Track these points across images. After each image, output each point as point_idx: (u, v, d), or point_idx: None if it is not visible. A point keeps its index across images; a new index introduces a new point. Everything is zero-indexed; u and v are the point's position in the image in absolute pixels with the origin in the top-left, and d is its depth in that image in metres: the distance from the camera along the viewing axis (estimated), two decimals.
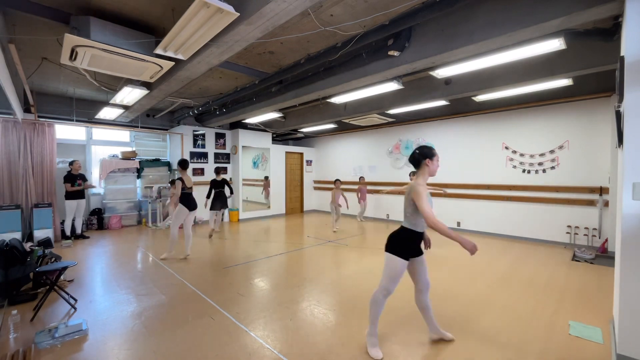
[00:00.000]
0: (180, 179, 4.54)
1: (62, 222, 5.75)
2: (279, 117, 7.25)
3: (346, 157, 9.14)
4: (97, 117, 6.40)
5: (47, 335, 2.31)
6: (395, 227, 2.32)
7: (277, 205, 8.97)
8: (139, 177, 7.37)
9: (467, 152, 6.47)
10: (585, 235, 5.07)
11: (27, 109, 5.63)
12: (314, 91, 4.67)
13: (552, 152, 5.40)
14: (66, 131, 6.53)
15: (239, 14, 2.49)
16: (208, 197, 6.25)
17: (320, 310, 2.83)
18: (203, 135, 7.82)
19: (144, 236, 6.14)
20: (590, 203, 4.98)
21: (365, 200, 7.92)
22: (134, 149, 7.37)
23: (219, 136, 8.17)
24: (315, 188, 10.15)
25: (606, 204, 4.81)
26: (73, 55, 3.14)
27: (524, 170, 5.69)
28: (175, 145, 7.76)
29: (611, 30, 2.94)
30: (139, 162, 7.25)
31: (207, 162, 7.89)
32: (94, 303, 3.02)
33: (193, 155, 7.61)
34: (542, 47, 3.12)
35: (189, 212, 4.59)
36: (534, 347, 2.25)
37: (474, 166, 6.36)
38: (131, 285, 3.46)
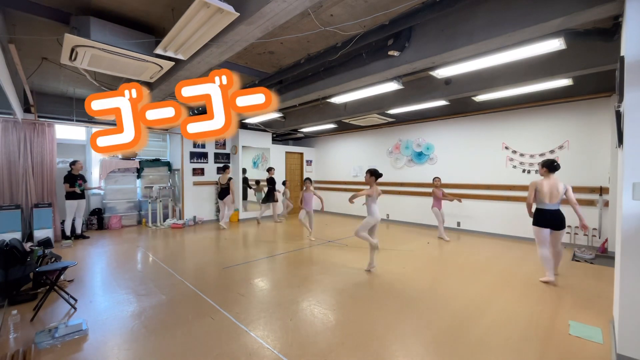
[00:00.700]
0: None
1: (62, 222, 5.75)
2: (279, 117, 7.26)
3: (346, 157, 9.14)
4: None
5: (47, 335, 2.31)
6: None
7: (276, 205, 8.95)
8: (139, 177, 7.37)
9: (467, 152, 6.47)
10: (585, 235, 5.07)
11: (27, 109, 5.63)
12: (314, 91, 4.67)
13: (552, 152, 5.39)
14: (66, 131, 6.53)
15: (239, 14, 2.49)
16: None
17: (320, 310, 2.83)
18: None
19: (144, 236, 6.15)
20: (590, 203, 4.97)
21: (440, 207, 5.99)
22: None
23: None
24: (315, 188, 10.13)
25: (606, 204, 4.81)
26: (73, 55, 3.14)
27: (524, 170, 5.69)
28: (175, 145, 7.76)
29: (611, 30, 2.94)
30: (139, 162, 7.25)
31: (207, 162, 7.88)
32: (94, 303, 3.02)
33: (193, 155, 7.61)
34: (542, 47, 3.12)
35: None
36: (534, 347, 2.25)
37: (474, 166, 6.36)
38: (131, 285, 3.46)
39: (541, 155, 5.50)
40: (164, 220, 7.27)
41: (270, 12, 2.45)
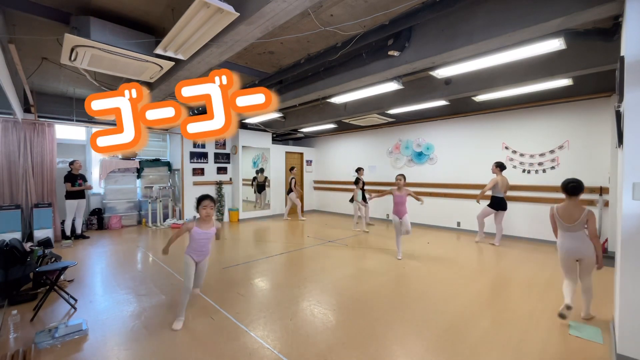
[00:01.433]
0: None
1: (62, 222, 5.75)
2: (279, 117, 7.26)
3: (346, 157, 9.14)
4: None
5: (47, 335, 2.31)
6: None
7: (277, 205, 8.96)
8: (139, 177, 7.37)
9: (467, 152, 6.47)
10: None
11: (27, 109, 5.63)
12: (314, 91, 4.67)
13: (552, 152, 5.39)
14: (66, 131, 6.53)
15: (239, 14, 2.49)
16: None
17: (320, 310, 2.83)
18: None
19: (144, 236, 6.15)
20: (590, 203, 4.97)
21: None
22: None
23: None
24: (315, 188, 10.15)
25: (606, 204, 4.81)
26: (73, 55, 3.14)
27: (524, 170, 5.69)
28: (175, 145, 7.76)
29: (611, 30, 2.94)
30: (139, 162, 7.25)
31: (207, 162, 7.88)
32: (94, 303, 3.02)
33: (193, 155, 7.61)
34: (542, 47, 3.12)
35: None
36: (534, 347, 2.25)
37: (474, 166, 6.35)
38: (131, 285, 3.46)
39: (541, 155, 5.50)
40: (164, 220, 7.27)
41: (270, 12, 2.45)
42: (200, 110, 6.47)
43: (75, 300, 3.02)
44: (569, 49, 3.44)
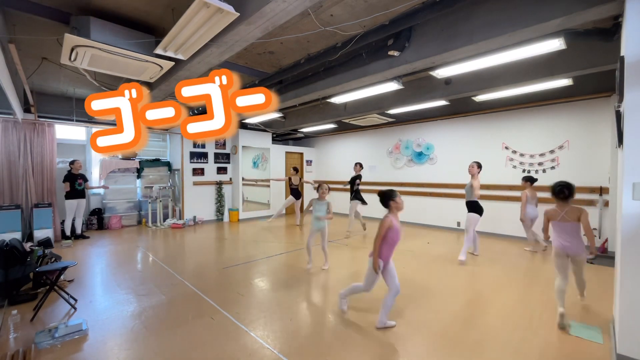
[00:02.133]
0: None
1: (62, 222, 5.75)
2: (279, 117, 7.26)
3: (346, 157, 9.13)
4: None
5: (47, 335, 2.31)
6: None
7: (277, 205, 8.96)
8: (139, 177, 7.37)
9: (467, 152, 6.47)
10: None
11: (27, 109, 5.63)
12: (314, 91, 4.67)
13: (552, 152, 5.40)
14: (66, 131, 6.53)
15: (239, 14, 2.49)
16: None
17: (320, 310, 2.83)
18: None
19: (144, 236, 6.15)
20: (590, 203, 4.97)
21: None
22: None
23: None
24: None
25: (606, 204, 4.81)
26: (73, 55, 3.14)
27: (524, 170, 5.68)
28: (175, 145, 7.76)
29: (611, 30, 2.94)
30: (139, 162, 7.25)
31: (207, 162, 7.88)
32: (94, 303, 3.02)
33: (193, 155, 7.61)
34: (542, 47, 3.12)
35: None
36: (534, 347, 2.25)
37: None
38: (131, 285, 3.46)
39: (541, 155, 5.50)
40: (164, 220, 7.27)
41: (270, 12, 2.45)
42: (200, 110, 6.47)
43: (75, 300, 3.02)
44: (569, 49, 3.44)
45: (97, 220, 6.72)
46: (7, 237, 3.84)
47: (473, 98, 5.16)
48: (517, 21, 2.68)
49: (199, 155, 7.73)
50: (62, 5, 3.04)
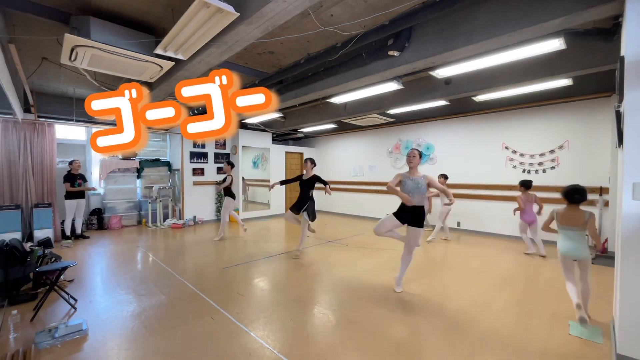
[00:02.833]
0: None
1: (62, 222, 5.75)
2: (279, 117, 7.26)
3: (346, 157, 9.14)
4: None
5: (47, 335, 2.31)
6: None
7: (277, 205, 8.97)
8: (139, 177, 7.37)
9: (467, 152, 6.47)
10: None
11: (27, 109, 5.63)
12: (314, 91, 4.67)
13: (552, 152, 5.40)
14: (66, 131, 6.53)
15: (239, 14, 2.49)
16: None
17: (320, 310, 2.83)
18: None
19: (144, 236, 6.14)
20: (590, 203, 4.96)
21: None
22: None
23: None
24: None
25: (606, 204, 4.81)
26: (73, 55, 3.14)
27: (524, 170, 5.69)
28: (175, 145, 7.76)
29: (611, 30, 2.94)
30: (139, 162, 7.25)
31: (207, 162, 7.89)
32: (94, 303, 3.02)
33: (193, 155, 7.61)
34: (542, 47, 3.12)
35: None
36: (534, 347, 2.25)
37: (474, 166, 6.36)
38: (131, 285, 3.46)
39: (541, 155, 5.50)
40: (164, 220, 7.27)
41: (270, 12, 2.45)
42: (200, 110, 6.48)
43: (75, 300, 3.02)
44: (569, 49, 3.44)
45: (97, 220, 6.72)
46: (7, 237, 3.84)
47: (473, 98, 5.16)
48: (517, 21, 2.68)
49: (199, 155, 7.73)
50: (62, 5, 3.04)
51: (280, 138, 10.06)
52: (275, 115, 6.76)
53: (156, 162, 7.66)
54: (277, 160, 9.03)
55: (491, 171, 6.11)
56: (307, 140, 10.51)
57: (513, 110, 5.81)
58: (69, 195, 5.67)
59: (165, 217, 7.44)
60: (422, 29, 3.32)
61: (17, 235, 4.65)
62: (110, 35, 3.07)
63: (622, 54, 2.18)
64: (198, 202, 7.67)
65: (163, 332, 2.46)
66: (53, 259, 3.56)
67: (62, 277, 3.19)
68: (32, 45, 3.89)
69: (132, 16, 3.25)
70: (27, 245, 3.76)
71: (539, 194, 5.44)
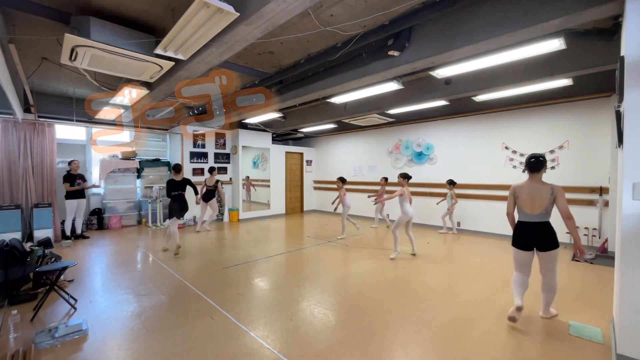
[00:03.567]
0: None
1: (62, 222, 5.75)
2: (279, 117, 7.26)
3: (346, 157, 9.14)
4: (97, 117, 6.40)
5: (47, 335, 2.31)
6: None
7: (277, 205, 8.97)
8: (139, 177, 7.37)
9: (467, 152, 6.47)
10: (585, 235, 5.07)
11: (27, 109, 5.63)
12: (314, 91, 4.67)
13: (552, 152, 5.40)
14: (66, 131, 6.53)
15: (239, 14, 2.49)
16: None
17: (320, 310, 2.83)
18: (203, 135, 7.82)
19: (144, 236, 6.14)
20: (590, 203, 4.97)
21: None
22: (134, 149, 7.38)
23: (219, 136, 8.17)
24: (316, 188, 10.15)
25: (606, 204, 4.81)
26: (73, 55, 3.14)
27: (524, 170, 5.67)
28: (175, 145, 7.76)
29: (611, 30, 2.94)
30: (139, 162, 7.25)
31: (207, 162, 7.88)
32: (94, 303, 3.02)
33: (193, 155, 7.61)
34: (542, 47, 3.12)
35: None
36: (534, 347, 2.25)
37: (474, 166, 6.36)
38: (131, 285, 3.46)
39: None
40: (164, 220, 7.27)
41: (270, 12, 2.45)
42: (200, 111, 6.48)
43: (75, 300, 3.02)
44: (569, 49, 3.44)
45: (97, 220, 6.72)
46: (7, 237, 3.84)
47: (473, 98, 5.16)
48: (517, 21, 2.68)
49: (199, 155, 7.73)
50: (62, 5, 3.04)
51: (280, 138, 10.06)
52: (275, 115, 6.76)
53: (156, 162, 7.66)
54: (277, 160, 9.03)
55: (491, 171, 6.11)
56: (307, 140, 10.52)
57: (513, 110, 5.81)
58: (69, 195, 5.67)
59: (165, 217, 7.44)
60: (422, 29, 3.32)
61: (17, 235, 4.65)
62: (110, 35, 3.07)
63: (622, 54, 2.18)
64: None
65: (163, 332, 2.46)
66: (53, 259, 3.56)
67: (62, 277, 3.19)
68: (32, 45, 3.89)
69: (132, 16, 3.25)
70: (27, 245, 3.76)
71: None
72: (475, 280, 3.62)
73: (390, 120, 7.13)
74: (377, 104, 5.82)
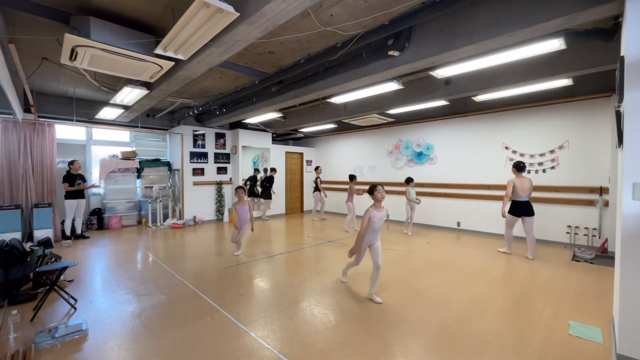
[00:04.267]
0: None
1: (62, 222, 5.75)
2: (279, 117, 7.25)
3: (346, 157, 9.14)
4: (97, 117, 6.40)
5: (47, 335, 2.31)
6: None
7: (277, 205, 8.96)
8: (139, 177, 7.37)
9: (467, 152, 6.47)
10: (585, 235, 5.07)
11: (27, 109, 5.63)
12: (314, 91, 4.67)
13: (552, 152, 5.40)
14: (66, 131, 6.53)
15: (239, 14, 2.49)
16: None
17: (320, 310, 2.83)
18: (203, 135, 7.82)
19: (144, 236, 6.14)
20: (590, 203, 4.97)
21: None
22: (134, 149, 7.38)
23: (219, 136, 8.18)
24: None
25: (606, 204, 4.81)
26: (73, 55, 3.14)
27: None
28: (175, 145, 7.76)
29: (611, 30, 2.94)
30: (139, 162, 7.25)
31: (207, 162, 7.89)
32: (94, 303, 3.02)
33: (193, 155, 7.61)
34: (542, 47, 3.12)
35: None
36: (534, 347, 2.25)
37: (474, 166, 6.36)
38: (131, 285, 3.46)
39: (541, 155, 5.50)
40: (164, 220, 7.27)
41: (270, 12, 2.45)
42: (200, 111, 6.47)
43: (75, 300, 3.02)
44: (569, 49, 3.45)
45: (97, 220, 6.72)
46: (7, 237, 3.85)
47: (473, 98, 5.16)
48: (517, 21, 2.68)
49: (199, 155, 7.73)
50: (62, 5, 3.04)
51: (280, 138, 10.06)
52: (275, 115, 6.75)
53: (156, 162, 7.66)
54: (277, 160, 9.03)
55: (491, 171, 6.11)
56: (307, 140, 10.51)
57: (513, 110, 5.81)
58: (69, 195, 5.68)
59: (165, 217, 7.44)
60: (422, 29, 3.32)
61: (17, 235, 4.65)
62: (110, 35, 3.07)
63: (622, 54, 2.18)
64: (198, 202, 7.67)
65: (163, 332, 2.46)
66: (53, 259, 3.56)
67: (62, 277, 3.19)
68: (32, 45, 3.89)
69: (132, 16, 3.25)
70: (27, 245, 3.76)
71: (540, 194, 5.45)
72: (475, 280, 3.62)
73: (390, 120, 7.13)
74: (377, 104, 5.82)
